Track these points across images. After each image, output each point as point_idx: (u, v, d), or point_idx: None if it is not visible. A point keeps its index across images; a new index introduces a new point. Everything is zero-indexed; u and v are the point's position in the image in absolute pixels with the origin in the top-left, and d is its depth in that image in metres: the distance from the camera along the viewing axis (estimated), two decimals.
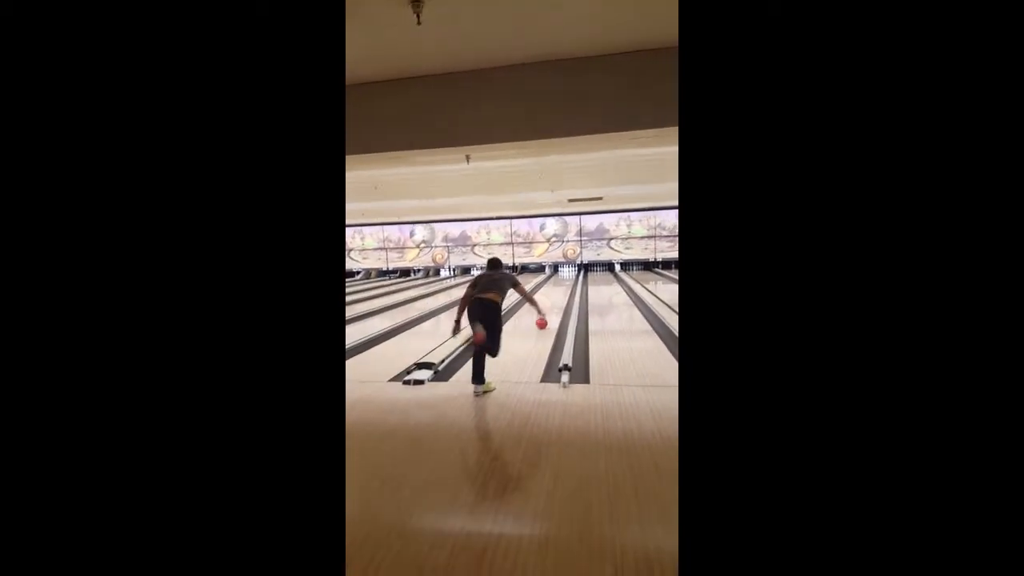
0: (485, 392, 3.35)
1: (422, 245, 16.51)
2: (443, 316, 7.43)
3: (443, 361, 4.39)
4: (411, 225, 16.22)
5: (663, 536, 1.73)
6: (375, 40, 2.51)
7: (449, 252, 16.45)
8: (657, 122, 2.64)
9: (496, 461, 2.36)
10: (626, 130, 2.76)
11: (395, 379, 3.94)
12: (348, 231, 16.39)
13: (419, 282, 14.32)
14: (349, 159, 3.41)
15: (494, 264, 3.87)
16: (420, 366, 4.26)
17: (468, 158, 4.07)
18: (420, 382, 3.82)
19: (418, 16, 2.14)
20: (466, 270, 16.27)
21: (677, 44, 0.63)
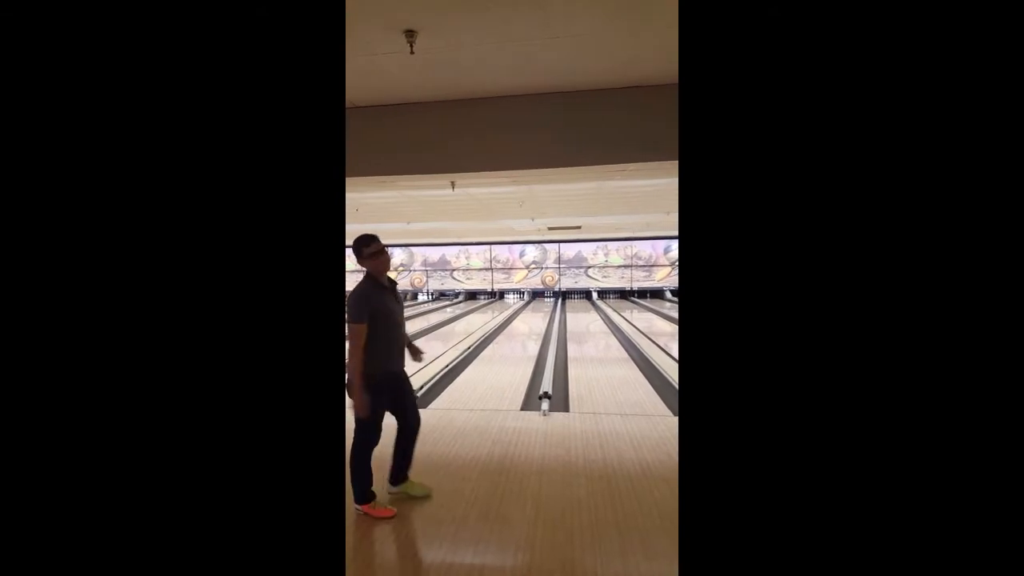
0: (412, 495, 2.23)
1: (400, 268, 16.40)
2: (418, 342, 7.34)
3: (422, 387, 4.33)
4: (391, 248, 16.13)
5: (644, 566, 1.72)
6: (366, 66, 2.58)
7: (428, 276, 16.38)
8: (647, 156, 2.77)
9: (476, 489, 2.32)
10: (617, 163, 2.88)
11: None
12: None
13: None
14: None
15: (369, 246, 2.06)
16: None
17: (453, 184, 4.13)
18: None
19: (411, 46, 2.21)
20: (443, 294, 16.19)
21: (670, 81, 0.69)
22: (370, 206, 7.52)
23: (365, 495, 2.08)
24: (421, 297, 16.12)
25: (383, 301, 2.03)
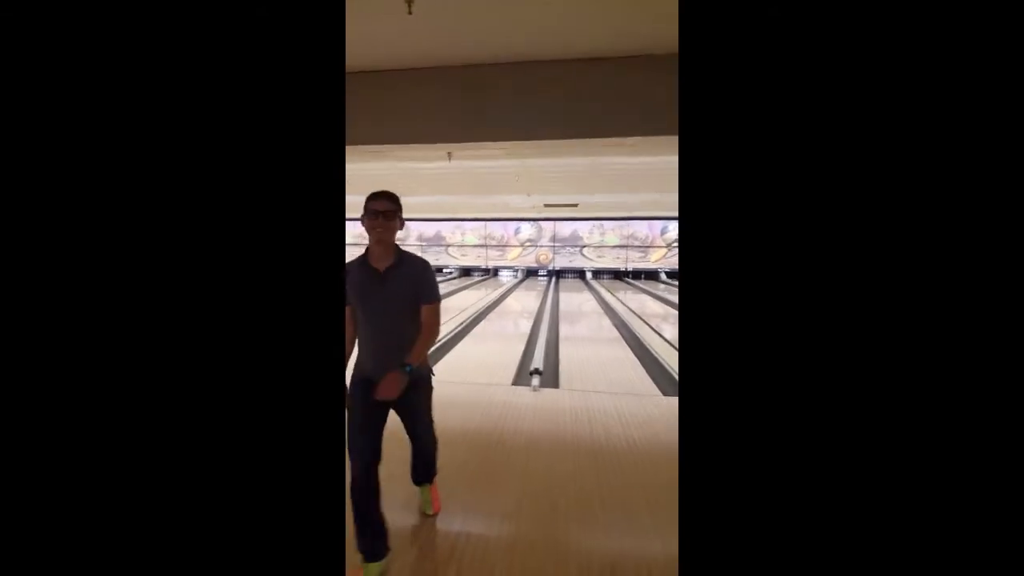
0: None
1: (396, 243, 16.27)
2: None
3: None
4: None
5: (627, 540, 1.76)
6: (362, 29, 2.47)
7: (423, 251, 16.27)
8: (647, 130, 2.71)
9: (465, 462, 2.34)
10: (615, 136, 2.81)
11: None
12: None
13: None
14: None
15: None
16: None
17: (450, 155, 4.04)
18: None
19: (409, 5, 2.11)
20: (439, 270, 16.14)
21: (672, 52, 0.65)
22: (366, 178, 7.38)
23: (370, 549, 1.47)
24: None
25: (361, 282, 1.51)
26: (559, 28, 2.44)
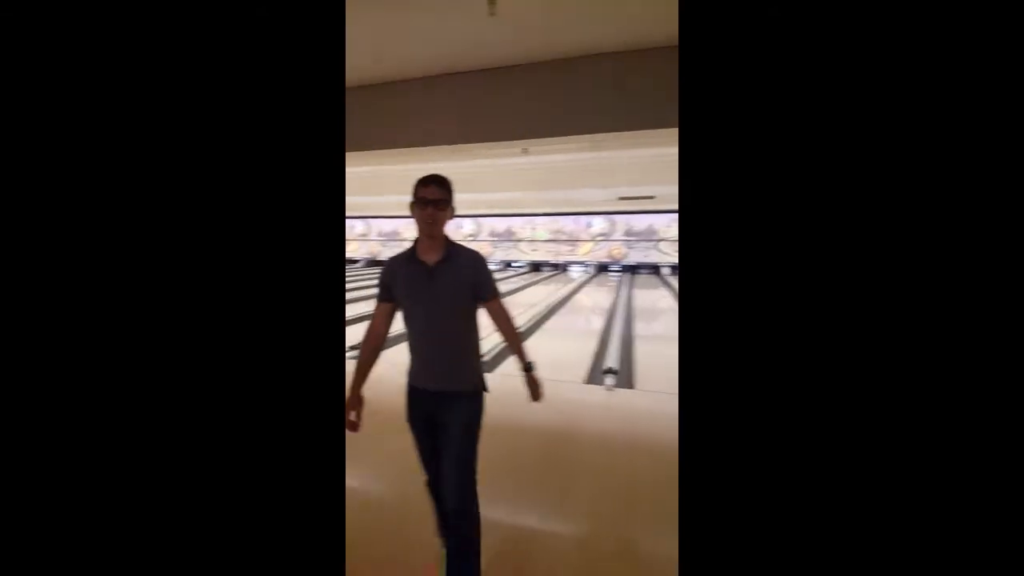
0: None
1: (468, 239, 16.74)
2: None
3: (484, 355, 4.42)
4: (459, 219, 16.49)
5: None
6: (439, 31, 2.55)
7: (494, 247, 16.58)
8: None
9: (537, 456, 2.35)
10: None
11: None
12: (399, 222, 16.90)
13: None
14: (407, 152, 3.50)
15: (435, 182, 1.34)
16: None
17: (526, 151, 4.05)
18: None
19: (492, 6, 2.12)
20: (509, 265, 16.34)
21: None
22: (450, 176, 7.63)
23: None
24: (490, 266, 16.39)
25: (409, 278, 1.32)
26: (642, 16, 2.34)
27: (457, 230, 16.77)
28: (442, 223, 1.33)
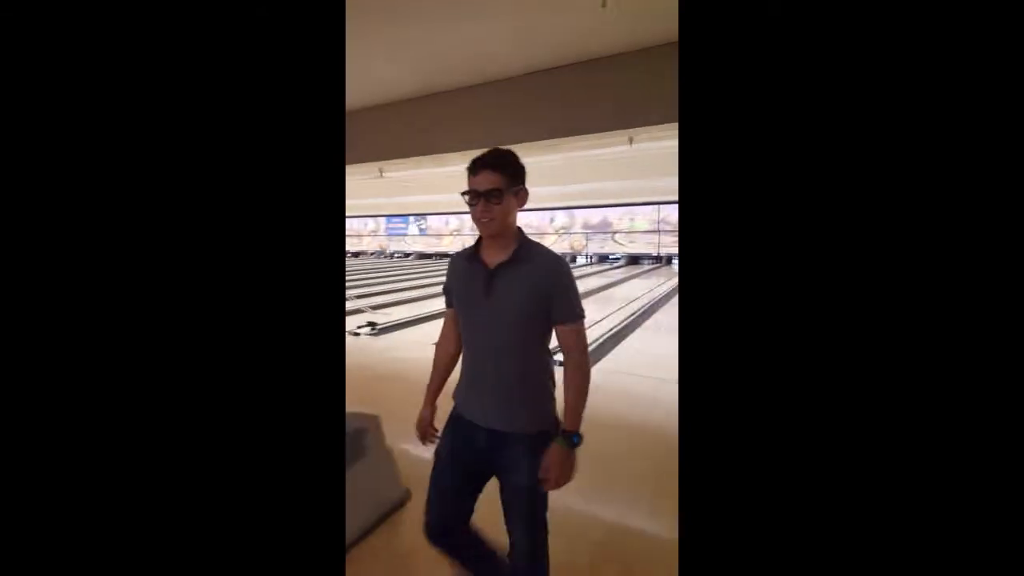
0: None
1: (561, 231, 16.56)
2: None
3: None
4: (551, 211, 16.37)
5: None
6: (556, 24, 2.54)
7: (588, 239, 16.18)
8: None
9: (651, 459, 2.13)
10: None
11: None
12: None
13: None
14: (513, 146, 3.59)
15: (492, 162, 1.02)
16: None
17: (631, 140, 3.85)
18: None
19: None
20: (603, 258, 15.83)
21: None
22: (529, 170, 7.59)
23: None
24: (580, 260, 16.06)
25: (467, 281, 1.06)
26: None
27: (549, 223, 16.66)
28: (502, 219, 0.99)
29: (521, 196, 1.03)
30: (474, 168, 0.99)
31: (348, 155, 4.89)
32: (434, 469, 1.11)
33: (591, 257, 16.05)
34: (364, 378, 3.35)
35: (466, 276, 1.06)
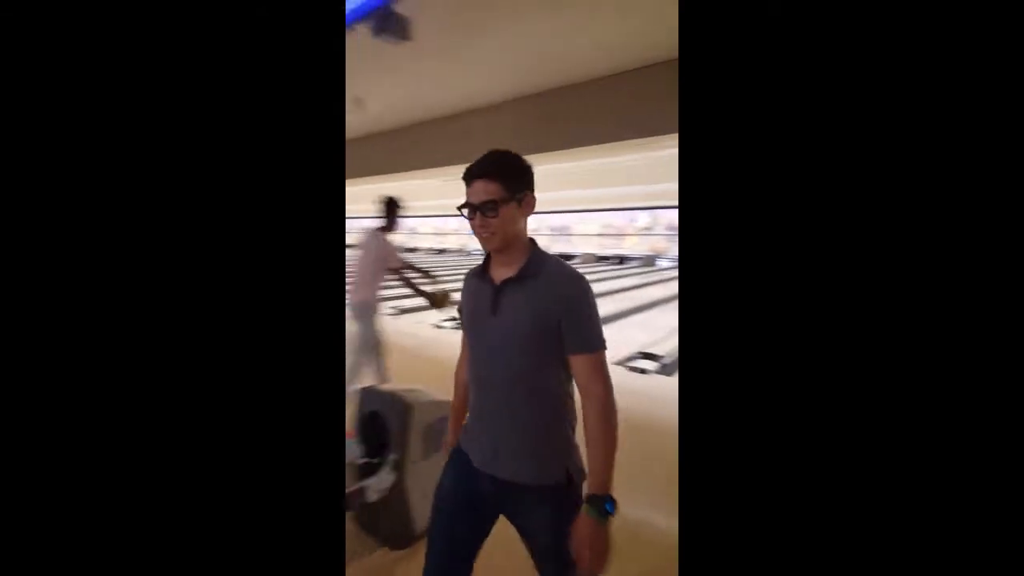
0: None
1: (643, 232, 16.03)
2: (655, 311, 7.08)
3: (666, 355, 4.24)
4: (634, 211, 15.92)
5: None
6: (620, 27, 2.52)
7: (671, 241, 15.49)
8: None
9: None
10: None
11: (618, 364, 3.99)
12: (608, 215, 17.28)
13: (635, 270, 14.03)
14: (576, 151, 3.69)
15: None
16: (645, 356, 4.24)
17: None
18: (643, 371, 3.83)
19: None
20: (651, 260, 15.04)
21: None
22: (615, 171, 7.45)
23: None
24: (662, 263, 15.44)
25: (472, 297, 0.95)
26: None
27: (630, 223, 16.18)
28: (504, 231, 0.86)
29: (526, 203, 0.89)
30: (467, 178, 0.88)
31: (418, 160, 5.12)
32: (433, 508, 0.96)
33: (674, 259, 15.34)
34: (449, 368, 3.60)
35: (473, 294, 0.94)
